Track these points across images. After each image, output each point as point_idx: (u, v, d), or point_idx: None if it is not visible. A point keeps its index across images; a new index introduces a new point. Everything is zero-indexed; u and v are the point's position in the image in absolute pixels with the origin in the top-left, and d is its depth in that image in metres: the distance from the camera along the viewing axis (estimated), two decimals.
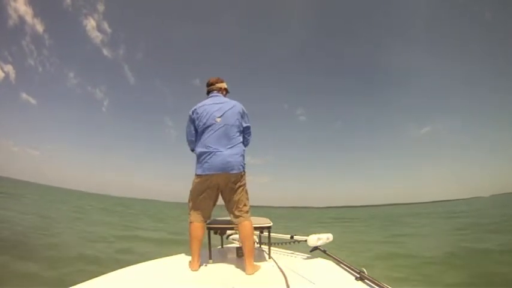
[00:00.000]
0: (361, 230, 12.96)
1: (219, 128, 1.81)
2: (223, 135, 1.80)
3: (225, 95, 2.09)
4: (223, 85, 2.09)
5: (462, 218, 15.11)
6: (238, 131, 1.87)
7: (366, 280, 1.39)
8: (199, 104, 1.95)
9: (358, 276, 1.43)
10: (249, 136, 2.02)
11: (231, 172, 1.77)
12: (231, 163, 1.76)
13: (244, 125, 1.96)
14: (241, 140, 1.89)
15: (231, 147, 1.80)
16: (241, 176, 1.83)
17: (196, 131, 1.90)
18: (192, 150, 1.95)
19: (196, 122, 1.89)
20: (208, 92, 2.05)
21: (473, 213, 18.35)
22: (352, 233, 11.08)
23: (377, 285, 1.30)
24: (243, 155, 1.86)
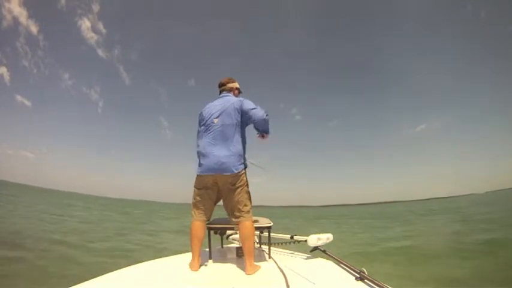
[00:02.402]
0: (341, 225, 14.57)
1: (215, 129, 1.82)
2: (219, 136, 1.80)
3: (237, 95, 2.08)
4: (235, 85, 2.08)
5: (440, 214, 16.43)
6: (236, 130, 1.83)
7: (365, 280, 1.39)
8: (206, 106, 1.97)
9: (358, 276, 1.44)
10: (255, 116, 1.82)
11: (226, 173, 1.76)
12: (226, 164, 1.75)
13: (244, 108, 1.83)
14: (240, 139, 1.86)
15: (227, 147, 1.78)
16: (238, 176, 1.79)
17: None
18: None
19: (201, 124, 1.93)
20: (220, 93, 2.05)
21: (452, 210, 19.38)
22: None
23: (377, 285, 1.30)
24: (240, 155, 1.82)
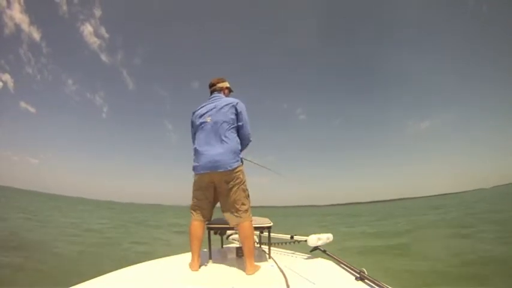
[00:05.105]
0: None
1: (208, 127, 1.81)
2: (212, 134, 1.79)
3: (227, 94, 2.07)
4: (225, 84, 2.07)
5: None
6: (230, 128, 1.82)
7: (366, 280, 1.38)
8: (198, 106, 1.98)
9: (358, 276, 1.43)
10: (243, 135, 1.89)
11: (220, 171, 1.73)
12: (219, 162, 1.73)
13: (239, 123, 1.87)
14: (235, 136, 1.83)
15: (221, 145, 1.77)
16: (233, 173, 1.75)
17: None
18: None
19: (194, 124, 1.93)
20: (211, 93, 2.04)
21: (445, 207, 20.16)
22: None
23: (377, 285, 1.29)
24: (235, 152, 1.78)
